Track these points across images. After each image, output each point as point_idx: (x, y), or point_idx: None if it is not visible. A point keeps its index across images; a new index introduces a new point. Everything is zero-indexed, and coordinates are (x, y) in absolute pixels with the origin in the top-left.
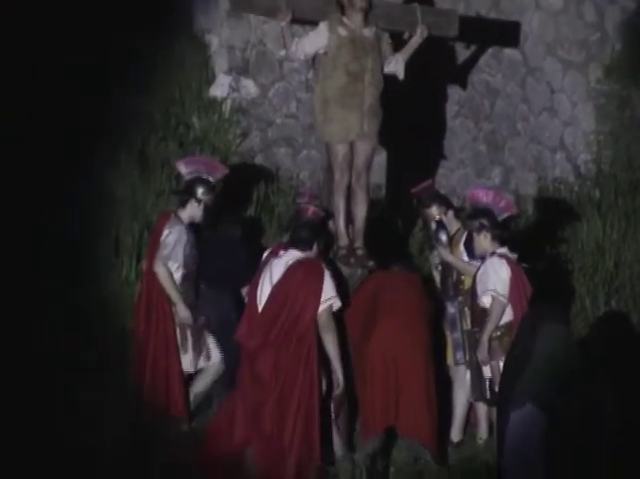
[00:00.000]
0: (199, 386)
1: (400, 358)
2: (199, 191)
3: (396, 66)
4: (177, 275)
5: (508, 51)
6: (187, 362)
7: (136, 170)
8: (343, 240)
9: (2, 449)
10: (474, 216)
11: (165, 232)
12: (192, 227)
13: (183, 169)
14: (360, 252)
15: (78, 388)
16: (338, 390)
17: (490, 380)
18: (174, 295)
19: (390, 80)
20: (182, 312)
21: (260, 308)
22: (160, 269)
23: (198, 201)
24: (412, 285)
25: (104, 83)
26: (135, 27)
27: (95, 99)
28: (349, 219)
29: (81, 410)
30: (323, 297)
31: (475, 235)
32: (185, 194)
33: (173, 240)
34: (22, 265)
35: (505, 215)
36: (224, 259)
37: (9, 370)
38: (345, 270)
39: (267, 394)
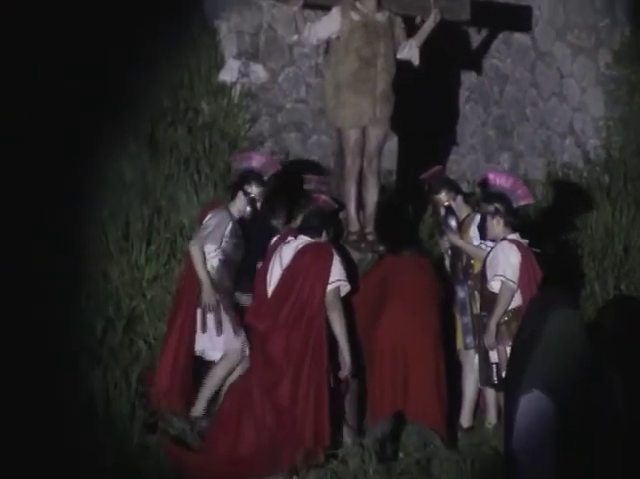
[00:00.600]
0: (218, 372)
1: (409, 343)
2: (250, 185)
3: (410, 52)
4: (215, 261)
5: (518, 36)
6: (203, 343)
7: (145, 154)
8: (354, 226)
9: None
10: (490, 199)
11: (209, 215)
12: (242, 221)
13: (238, 162)
14: (371, 238)
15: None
16: (345, 371)
17: (498, 366)
18: (203, 276)
19: (401, 65)
20: (207, 295)
21: (270, 293)
22: (193, 249)
23: (247, 194)
24: (421, 270)
25: (113, 67)
26: (144, 12)
27: (104, 83)
28: (360, 204)
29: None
30: (331, 279)
31: (488, 218)
32: (236, 187)
33: (214, 224)
34: (29, 250)
35: (522, 202)
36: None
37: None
38: (355, 256)
39: (280, 376)
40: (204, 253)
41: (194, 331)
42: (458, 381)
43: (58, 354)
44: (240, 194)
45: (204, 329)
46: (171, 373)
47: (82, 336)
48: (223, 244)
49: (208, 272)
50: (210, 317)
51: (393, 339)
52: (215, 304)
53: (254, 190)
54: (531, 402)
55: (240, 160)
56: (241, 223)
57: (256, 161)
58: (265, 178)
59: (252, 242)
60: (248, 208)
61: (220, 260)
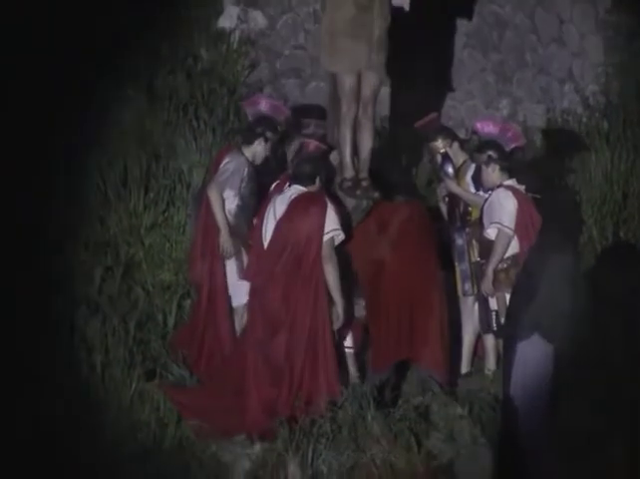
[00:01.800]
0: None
1: (414, 293)
2: (267, 130)
3: None
4: (232, 206)
5: None
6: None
7: (143, 101)
8: (349, 172)
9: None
10: (481, 148)
11: (226, 159)
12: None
13: (249, 108)
14: (365, 184)
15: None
16: (337, 323)
17: (497, 312)
18: (221, 222)
19: (398, 10)
20: (224, 240)
21: (266, 245)
22: (212, 193)
23: (266, 139)
24: (417, 215)
25: (112, 14)
26: None
27: (101, 31)
28: (354, 150)
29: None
30: (326, 229)
31: (483, 167)
32: (254, 132)
33: (232, 169)
34: (28, 198)
35: (513, 145)
36: None
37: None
38: (350, 202)
39: (278, 327)
40: (223, 198)
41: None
42: (458, 326)
43: (56, 303)
44: (261, 140)
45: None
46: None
47: (81, 284)
48: (242, 190)
49: (226, 217)
50: (231, 262)
51: (397, 289)
52: (232, 250)
53: (271, 136)
54: (530, 346)
55: (252, 105)
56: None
57: (267, 106)
58: (278, 122)
59: (267, 187)
60: (263, 153)
61: (238, 205)
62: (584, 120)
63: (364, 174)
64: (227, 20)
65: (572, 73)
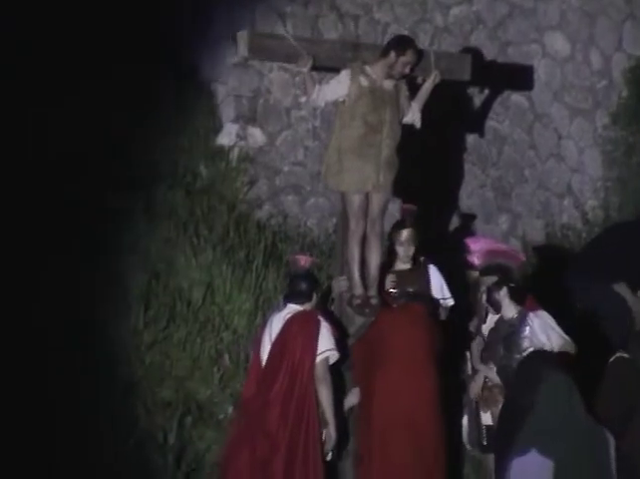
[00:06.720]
0: None
1: (405, 411)
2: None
3: (413, 116)
4: None
5: (515, 97)
6: None
7: (142, 218)
8: (358, 290)
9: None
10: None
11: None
12: None
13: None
14: (374, 302)
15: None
16: (329, 445)
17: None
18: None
19: (404, 128)
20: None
21: (263, 365)
22: None
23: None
24: (416, 322)
25: (111, 132)
26: (140, 76)
27: (101, 149)
28: (362, 267)
29: None
30: (319, 349)
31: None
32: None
33: None
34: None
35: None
36: None
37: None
38: (359, 319)
39: (275, 449)
40: None
41: None
42: None
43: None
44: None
45: None
46: None
47: (81, 402)
48: None
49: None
50: None
51: (388, 407)
52: None
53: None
54: (527, 461)
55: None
56: None
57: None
58: None
59: None
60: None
61: None
62: (584, 235)
63: (373, 291)
64: (226, 137)
65: (571, 188)
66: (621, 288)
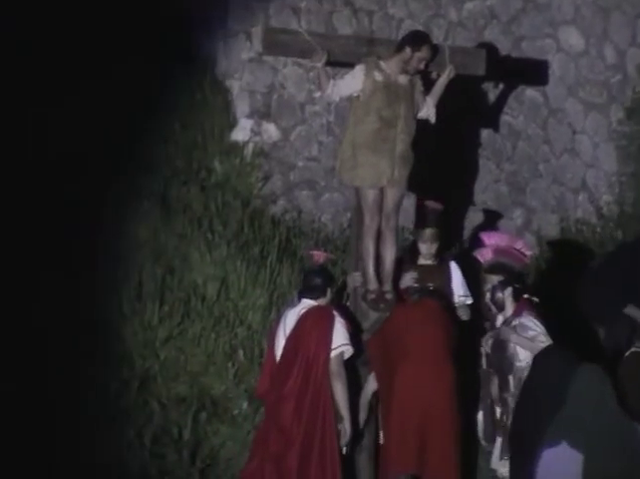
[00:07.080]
0: None
1: (425, 405)
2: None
3: (428, 111)
4: None
5: (530, 92)
6: None
7: (157, 214)
8: (372, 285)
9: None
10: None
11: None
12: None
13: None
14: (389, 297)
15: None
16: (344, 439)
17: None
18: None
19: (419, 123)
20: None
21: (277, 360)
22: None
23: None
24: (432, 318)
25: (128, 129)
26: (156, 74)
27: (117, 145)
28: (377, 262)
29: None
30: (334, 344)
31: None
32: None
33: None
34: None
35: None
36: None
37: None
38: (373, 314)
39: (289, 445)
40: None
41: None
42: None
43: (73, 415)
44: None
45: None
46: None
47: (96, 397)
48: None
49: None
50: None
51: (409, 401)
52: None
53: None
54: (557, 453)
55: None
56: None
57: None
58: None
59: None
60: None
61: None
62: (598, 230)
63: (387, 286)
64: (240, 133)
65: (586, 183)
66: (632, 311)
